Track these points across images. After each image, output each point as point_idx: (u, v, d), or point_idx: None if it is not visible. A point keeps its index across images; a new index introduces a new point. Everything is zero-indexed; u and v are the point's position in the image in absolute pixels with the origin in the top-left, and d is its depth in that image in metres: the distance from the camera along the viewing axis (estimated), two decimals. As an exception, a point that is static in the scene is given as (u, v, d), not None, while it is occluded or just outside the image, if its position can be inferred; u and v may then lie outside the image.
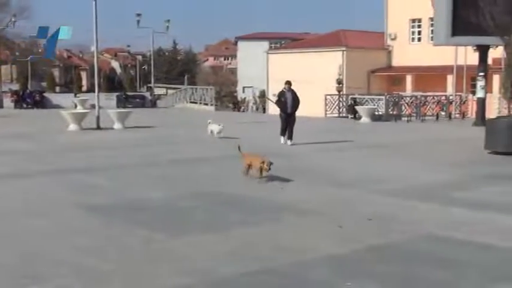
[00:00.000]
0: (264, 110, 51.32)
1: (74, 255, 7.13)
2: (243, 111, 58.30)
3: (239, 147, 12.50)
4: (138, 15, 55.29)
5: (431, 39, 32.90)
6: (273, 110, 33.96)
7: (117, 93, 53.98)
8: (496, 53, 28.79)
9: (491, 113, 29.17)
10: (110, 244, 7.58)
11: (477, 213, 9.24)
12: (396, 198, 10.42)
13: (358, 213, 9.26)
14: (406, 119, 31.95)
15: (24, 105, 47.74)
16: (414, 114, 32.72)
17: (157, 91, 59.08)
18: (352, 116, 33.45)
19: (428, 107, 33.81)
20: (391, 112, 33.05)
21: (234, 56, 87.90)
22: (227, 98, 64.20)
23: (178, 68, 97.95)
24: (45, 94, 53.45)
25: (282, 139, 18.59)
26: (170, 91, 58.22)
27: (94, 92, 29.16)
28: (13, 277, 6.35)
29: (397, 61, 44.30)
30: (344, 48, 43.44)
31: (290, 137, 18.54)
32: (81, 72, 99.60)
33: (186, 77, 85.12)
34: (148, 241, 7.70)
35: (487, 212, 9.29)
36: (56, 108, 40.81)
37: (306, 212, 9.49)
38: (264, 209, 9.72)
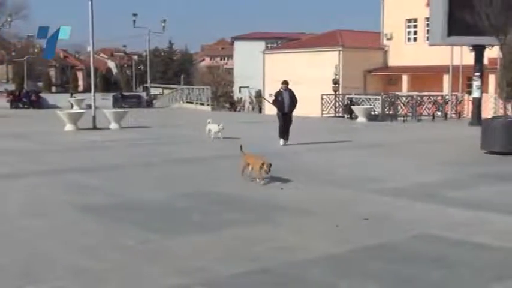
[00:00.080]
0: (260, 110, 51.32)
1: (69, 255, 7.12)
2: (239, 111, 58.30)
3: (241, 147, 12.45)
4: (134, 15, 55.42)
5: (427, 39, 32.93)
6: (269, 110, 34.00)
7: (113, 93, 53.94)
8: (492, 53, 28.80)
9: (487, 113, 29.22)
10: (106, 244, 7.57)
11: (473, 213, 9.26)
12: (392, 198, 10.43)
13: (355, 213, 9.27)
14: (402, 118, 31.98)
15: (21, 105, 47.66)
16: (410, 114, 32.73)
17: (154, 91, 58.90)
18: (348, 116, 33.46)
19: (425, 106, 33.84)
20: (387, 112, 33.08)
21: (230, 56, 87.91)
22: (223, 98, 64.12)
23: (174, 68, 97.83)
24: (41, 94, 53.41)
25: (282, 141, 18.47)
26: (166, 91, 58.05)
27: (90, 92, 29.14)
28: (8, 278, 6.34)
29: (393, 61, 44.34)
30: (340, 48, 43.47)
31: (286, 137, 18.51)
32: (77, 72, 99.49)
33: (182, 77, 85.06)
34: (144, 241, 7.70)
35: (483, 212, 9.30)
36: (52, 108, 40.78)
37: (303, 211, 9.49)
38: (260, 208, 9.72)
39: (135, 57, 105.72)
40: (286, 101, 18.23)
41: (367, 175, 13.01)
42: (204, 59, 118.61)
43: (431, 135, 24.16)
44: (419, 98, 34.16)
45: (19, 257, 7.09)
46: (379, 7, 45.27)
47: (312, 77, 40.65)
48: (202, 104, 47.65)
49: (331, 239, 7.80)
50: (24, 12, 79.12)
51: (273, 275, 6.37)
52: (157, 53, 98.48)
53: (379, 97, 33.78)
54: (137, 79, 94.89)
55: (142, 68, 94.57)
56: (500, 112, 27.29)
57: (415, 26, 43.57)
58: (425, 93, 35.50)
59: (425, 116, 33.00)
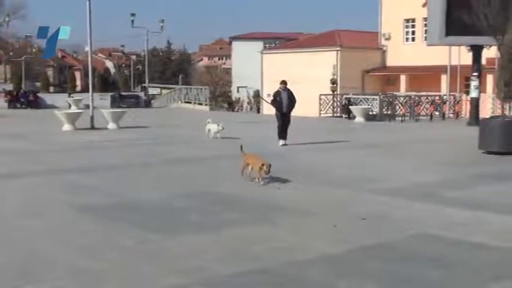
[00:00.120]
0: (259, 110, 51.33)
1: (68, 255, 7.12)
2: (237, 111, 58.30)
3: (241, 147, 12.43)
4: (133, 15, 55.34)
5: (425, 39, 32.96)
6: (268, 109, 34.03)
7: (111, 93, 53.92)
8: (490, 53, 28.89)
9: (485, 112, 29.22)
10: (105, 244, 7.58)
11: (471, 213, 9.27)
12: (390, 197, 10.45)
13: (353, 212, 9.29)
14: (400, 118, 32.01)
15: (18, 105, 47.64)
16: (408, 114, 32.77)
17: (152, 91, 58.95)
18: (346, 116, 33.50)
19: (422, 106, 33.88)
20: (385, 112, 33.11)
21: (228, 56, 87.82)
22: (221, 98, 64.19)
23: (172, 68, 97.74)
24: (39, 94, 53.41)
25: (281, 142, 18.44)
26: (164, 91, 58.08)
27: (88, 92, 29.13)
28: (7, 278, 6.34)
29: (391, 61, 44.36)
30: (338, 48, 43.47)
31: (284, 137, 18.51)
32: (75, 72, 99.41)
33: (180, 77, 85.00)
34: (143, 241, 7.70)
35: (481, 212, 9.31)
36: (50, 108, 40.78)
37: (301, 211, 9.50)
38: (259, 209, 9.73)
39: (133, 57, 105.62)
40: (284, 101, 18.22)
41: (365, 175, 13.03)
42: (202, 59, 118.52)
43: (429, 135, 24.19)
44: (417, 98, 34.18)
45: (17, 257, 7.09)
46: (377, 7, 45.31)
47: (310, 77, 40.64)
48: (201, 104, 47.66)
49: (330, 239, 7.82)
50: (22, 12, 79.20)
51: (272, 275, 6.38)
52: (156, 52, 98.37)
53: (377, 97, 33.80)
54: (135, 79, 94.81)
55: (140, 67, 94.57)
56: (498, 112, 27.31)
57: (413, 26, 43.58)
58: (423, 93, 35.53)
59: (423, 116, 33.04)
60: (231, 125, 21.62)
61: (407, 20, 43.79)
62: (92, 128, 25.28)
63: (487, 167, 14.36)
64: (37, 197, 10.80)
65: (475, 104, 28.26)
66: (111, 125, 25.79)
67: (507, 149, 16.03)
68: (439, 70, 38.92)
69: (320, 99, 36.35)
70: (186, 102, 50.01)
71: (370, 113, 32.20)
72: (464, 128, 26.31)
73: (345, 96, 35.79)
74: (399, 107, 33.69)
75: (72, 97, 48.56)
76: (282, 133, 18.48)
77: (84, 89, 71.87)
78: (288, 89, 18.33)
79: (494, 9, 23.44)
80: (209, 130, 20.62)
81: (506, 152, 15.92)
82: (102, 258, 7.01)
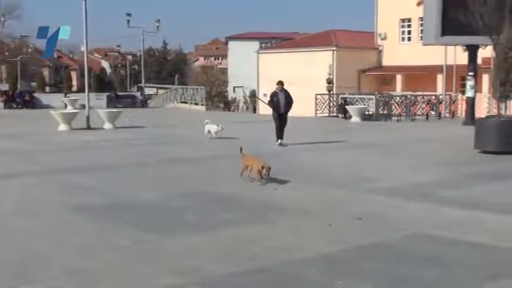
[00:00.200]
0: (255, 110, 51.32)
1: (64, 255, 7.11)
2: (233, 111, 58.27)
3: (241, 149, 12.36)
4: (129, 15, 55.22)
5: (421, 39, 33.01)
6: (264, 109, 34.04)
7: (107, 93, 53.89)
8: (486, 52, 28.90)
9: (481, 112, 29.31)
10: (101, 244, 7.56)
11: (467, 213, 9.29)
12: (386, 197, 10.45)
13: (350, 212, 9.29)
14: (396, 118, 32.03)
15: (14, 106, 47.56)
16: (404, 114, 32.80)
17: (148, 91, 58.93)
18: (342, 116, 33.50)
19: (418, 106, 33.91)
20: (381, 112, 33.13)
21: (224, 56, 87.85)
22: (217, 98, 64.04)
23: (168, 68, 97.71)
24: (35, 94, 53.33)
25: (279, 142, 18.38)
26: (160, 91, 58.09)
27: (84, 92, 29.11)
28: (3, 278, 6.32)
29: (387, 61, 44.42)
30: (334, 48, 43.51)
31: (281, 137, 18.50)
32: (71, 72, 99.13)
33: (176, 77, 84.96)
34: (139, 241, 7.69)
35: (477, 211, 9.32)
36: (46, 109, 40.73)
37: (298, 211, 9.50)
38: (256, 209, 9.73)
39: (129, 57, 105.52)
40: (281, 102, 18.19)
41: (362, 175, 13.03)
42: (198, 59, 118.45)
43: (425, 134, 24.21)
44: (413, 98, 34.23)
45: (13, 257, 7.08)
46: (373, 7, 45.36)
47: (306, 76, 40.66)
48: (197, 104, 47.63)
49: (327, 239, 7.82)
50: (18, 12, 79.02)
51: (269, 275, 6.37)
52: (152, 52, 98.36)
53: (373, 97, 33.83)
54: (131, 79, 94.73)
55: (136, 67, 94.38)
56: (494, 111, 27.33)
57: (409, 26, 43.67)
58: (419, 93, 35.59)
59: (419, 115, 33.06)
60: (228, 125, 21.60)
61: (403, 20, 43.87)
62: (88, 128, 25.23)
63: (483, 167, 14.39)
64: (33, 197, 10.78)
65: (471, 103, 28.32)
66: (107, 125, 25.75)
67: (503, 148, 16.06)
68: (435, 70, 39.00)
69: (316, 99, 36.37)
70: (182, 102, 49.98)
71: (366, 112, 32.22)
72: (460, 127, 26.36)
73: (341, 96, 35.81)
74: (395, 107, 33.73)
75: (68, 97, 48.52)
76: (280, 133, 18.47)
77: (80, 89, 71.91)
78: (285, 90, 18.30)
79: (489, 8, 23.49)
80: (209, 131, 20.57)
81: (502, 151, 15.94)
82: (98, 258, 7.00)
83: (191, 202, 10.21)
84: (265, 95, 33.87)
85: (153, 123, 30.02)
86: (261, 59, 49.00)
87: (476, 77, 28.93)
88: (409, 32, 43.73)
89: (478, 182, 12.19)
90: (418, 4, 38.03)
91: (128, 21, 55.09)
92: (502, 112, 17.88)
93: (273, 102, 18.31)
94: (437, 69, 38.56)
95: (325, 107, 36.32)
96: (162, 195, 10.77)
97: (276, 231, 8.27)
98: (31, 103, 47.80)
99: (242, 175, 11.94)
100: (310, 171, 13.64)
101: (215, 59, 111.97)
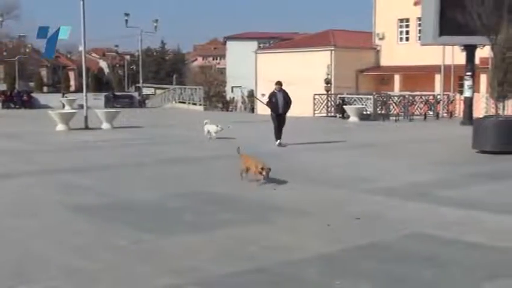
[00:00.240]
0: (253, 109, 51.31)
1: (62, 255, 7.10)
2: (231, 111, 58.27)
3: (238, 149, 12.34)
4: (127, 14, 55.26)
5: (419, 39, 33.03)
6: (262, 110, 34.00)
7: (105, 93, 53.88)
8: (483, 52, 28.97)
9: (479, 112, 29.30)
10: (99, 244, 7.55)
11: (465, 212, 9.29)
12: (384, 197, 10.46)
13: (348, 212, 9.29)
14: (394, 118, 32.06)
15: (12, 105, 47.54)
16: (402, 114, 32.82)
17: (146, 91, 58.88)
18: (340, 116, 33.53)
19: (416, 106, 33.94)
20: (379, 112, 33.16)
21: (222, 56, 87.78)
22: (216, 98, 64.06)
23: (166, 68, 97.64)
24: (33, 94, 53.33)
25: (278, 142, 18.36)
26: (159, 91, 58.02)
27: (82, 92, 29.08)
28: (1, 278, 6.31)
29: (385, 61, 44.42)
30: (332, 48, 43.49)
31: (279, 137, 18.49)
32: (69, 72, 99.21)
33: (174, 77, 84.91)
34: (136, 241, 7.68)
35: (475, 211, 9.33)
36: (44, 108, 40.72)
37: (296, 211, 9.50)
38: (254, 209, 9.72)
39: (127, 57, 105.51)
40: (280, 102, 18.18)
41: (360, 175, 13.04)
42: (196, 59, 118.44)
43: (423, 134, 24.23)
44: (411, 98, 34.25)
45: (11, 257, 7.07)
46: (371, 7, 45.36)
47: (304, 76, 40.64)
48: (195, 104, 47.63)
49: (325, 239, 7.82)
50: (16, 12, 79.03)
51: (267, 274, 6.37)
52: (150, 52, 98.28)
53: (371, 97, 33.86)
54: (129, 79, 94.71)
55: (134, 67, 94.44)
56: (492, 111, 27.32)
57: (407, 26, 43.66)
58: (417, 93, 35.60)
59: (417, 115, 33.09)
60: (226, 125, 21.57)
61: (401, 20, 43.86)
62: (86, 128, 25.23)
63: (481, 167, 14.39)
64: (31, 197, 10.76)
65: (469, 103, 28.33)
66: (105, 125, 25.74)
67: (500, 148, 16.07)
68: (433, 70, 39.00)
69: (314, 98, 36.38)
70: (180, 102, 49.98)
71: (364, 112, 32.25)
72: (458, 127, 26.37)
73: (339, 95, 35.82)
74: (393, 107, 33.75)
75: (66, 97, 48.51)
76: (278, 134, 18.46)
77: (78, 89, 71.76)
78: (284, 90, 18.29)
79: (487, 8, 23.51)
80: (209, 131, 20.59)
81: (499, 151, 15.95)
82: (96, 258, 6.99)
83: (189, 202, 10.21)
84: (263, 95, 33.84)
85: (151, 123, 30.01)
86: (259, 59, 48.97)
87: (474, 77, 28.95)
88: (407, 32, 43.72)
89: (476, 182, 12.20)
90: (415, 4, 38.07)
91: (126, 21, 55.16)
92: (500, 112, 17.88)
93: (272, 102, 18.30)
94: (435, 69, 38.57)
95: (323, 107, 36.34)
96: (160, 195, 10.77)
97: (274, 231, 8.26)
98: (29, 103, 47.81)
99: (242, 176, 11.84)
100: (309, 171, 13.64)
101: (213, 59, 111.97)
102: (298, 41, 51.91)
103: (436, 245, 7.50)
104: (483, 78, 33.02)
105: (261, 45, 57.85)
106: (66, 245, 7.54)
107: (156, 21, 57.82)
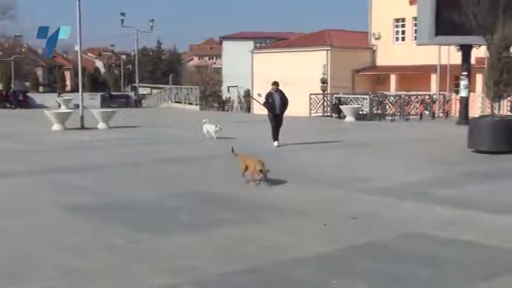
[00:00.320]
0: (249, 109, 51.30)
1: (58, 255, 7.09)
2: (227, 110, 58.25)
3: (232, 149, 12.30)
4: (122, 14, 55.13)
5: (415, 39, 33.07)
6: (258, 109, 34.02)
7: (101, 93, 53.80)
8: (479, 52, 28.96)
9: (475, 112, 29.37)
10: (95, 244, 7.54)
11: (461, 212, 9.30)
12: (381, 197, 10.47)
13: (343, 212, 9.29)
14: (390, 118, 32.08)
15: (8, 105, 47.43)
16: (398, 114, 32.86)
17: (142, 91, 58.89)
18: (336, 115, 33.54)
19: (412, 106, 33.98)
20: (375, 111, 33.18)
21: (218, 56, 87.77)
22: (212, 98, 63.98)
23: (162, 68, 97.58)
24: (29, 94, 53.22)
25: (276, 143, 18.38)
26: (155, 91, 58.07)
27: (78, 91, 29.05)
28: (-4, 278, 6.30)
29: (381, 60, 44.45)
30: (329, 48, 43.48)
31: (276, 138, 18.45)
32: (65, 71, 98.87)
33: (170, 77, 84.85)
34: (133, 241, 7.67)
35: (471, 211, 9.35)
36: (40, 108, 40.63)
37: (292, 211, 9.50)
38: (251, 208, 9.72)
39: (123, 56, 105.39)
40: (277, 103, 18.16)
41: (356, 175, 13.05)
42: (192, 59, 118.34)
43: (419, 134, 24.26)
44: (407, 98, 34.30)
45: (6, 257, 7.05)
46: (367, 7, 45.38)
47: (300, 76, 40.65)
48: (191, 104, 47.60)
49: (321, 238, 7.82)
50: (12, 12, 78.90)
51: (264, 274, 6.37)
52: (146, 52, 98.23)
53: (367, 96, 33.88)
54: (125, 79, 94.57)
55: (130, 67, 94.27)
56: (488, 111, 27.40)
57: (403, 26, 43.69)
58: (413, 93, 35.63)
59: (413, 115, 33.13)
60: (223, 125, 21.56)
61: (397, 20, 43.89)
62: (82, 127, 25.18)
63: (477, 166, 14.43)
64: (26, 197, 10.74)
65: (465, 103, 28.38)
66: (101, 125, 25.70)
67: (496, 148, 16.11)
68: (428, 69, 39.05)
69: (310, 98, 36.39)
70: (176, 102, 49.94)
71: (361, 112, 32.27)
72: (453, 127, 26.42)
73: (335, 95, 35.83)
74: (389, 107, 33.79)
75: (61, 97, 48.42)
76: (276, 134, 18.45)
77: (74, 89, 71.76)
78: (280, 90, 18.27)
79: (483, 8, 23.55)
80: (208, 131, 20.60)
81: (495, 151, 15.99)
82: (92, 258, 6.97)
83: (185, 202, 10.20)
84: (259, 94, 33.84)
85: (147, 123, 29.97)
86: (255, 59, 48.96)
87: (470, 77, 28.99)
88: (403, 32, 43.75)
89: (471, 182, 12.22)
90: (411, 3, 38.11)
91: (122, 20, 55.02)
92: (496, 112, 17.92)
93: (269, 103, 18.29)
94: (431, 69, 38.62)
95: (319, 106, 36.34)
96: (156, 194, 10.75)
97: (270, 231, 8.26)
98: (25, 103, 47.70)
99: (245, 176, 11.69)
100: (305, 171, 13.65)
101: (209, 59, 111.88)
102: (294, 41, 51.89)
103: (432, 244, 7.50)
104: (479, 78, 33.05)
105: (257, 45, 57.84)
106: (62, 245, 7.52)
107: (152, 20, 57.75)
